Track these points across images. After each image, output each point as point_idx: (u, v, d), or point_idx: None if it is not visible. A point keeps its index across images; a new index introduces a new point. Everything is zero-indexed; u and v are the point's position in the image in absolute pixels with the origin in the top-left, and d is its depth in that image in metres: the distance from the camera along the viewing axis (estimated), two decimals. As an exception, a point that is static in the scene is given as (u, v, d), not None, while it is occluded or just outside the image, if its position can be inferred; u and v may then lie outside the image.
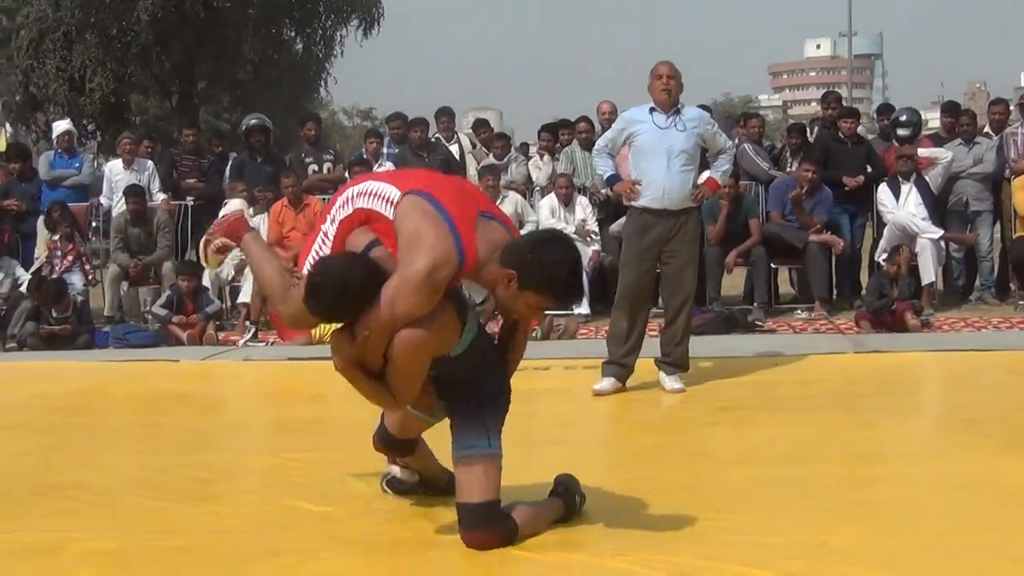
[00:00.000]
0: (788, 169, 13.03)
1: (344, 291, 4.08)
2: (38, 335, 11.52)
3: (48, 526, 4.88)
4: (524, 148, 15.86)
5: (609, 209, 12.17)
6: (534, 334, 10.72)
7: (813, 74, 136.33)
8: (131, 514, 5.04)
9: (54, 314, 11.63)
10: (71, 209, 13.15)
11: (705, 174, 8.40)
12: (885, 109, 14.67)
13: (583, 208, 12.45)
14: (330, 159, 13.96)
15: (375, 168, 12.98)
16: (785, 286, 13.45)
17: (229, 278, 12.68)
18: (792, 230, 11.95)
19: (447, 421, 4.44)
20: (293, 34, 28.40)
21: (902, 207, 11.79)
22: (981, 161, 12.37)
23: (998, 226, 12.65)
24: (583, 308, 11.85)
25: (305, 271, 4.37)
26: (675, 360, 8.12)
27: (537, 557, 4.21)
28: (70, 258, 12.74)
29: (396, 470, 5.01)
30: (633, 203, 8.08)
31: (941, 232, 11.70)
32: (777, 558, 4.09)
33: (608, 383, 7.97)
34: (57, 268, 12.63)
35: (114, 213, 13.45)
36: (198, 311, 11.67)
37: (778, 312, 12.08)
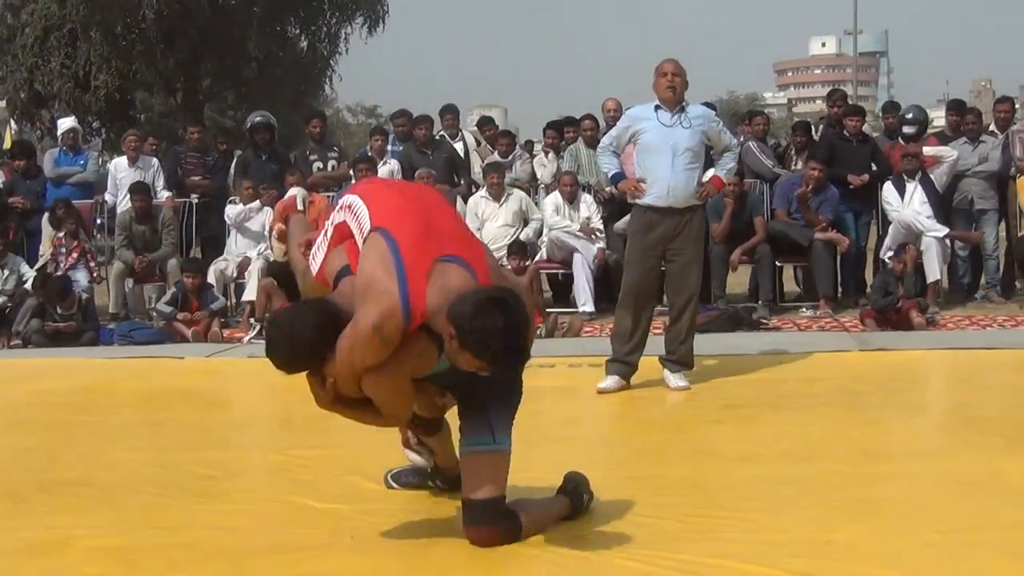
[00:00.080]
0: (793, 167, 13.01)
1: (295, 349, 4.11)
2: (43, 332, 11.53)
3: (53, 523, 4.89)
4: (529, 146, 15.86)
5: (614, 207, 12.16)
6: (539, 332, 10.72)
7: (818, 72, 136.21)
8: (136, 511, 5.04)
9: (59, 311, 11.64)
10: (76, 206, 13.16)
11: (710, 172, 8.40)
12: (890, 107, 14.67)
13: (588, 206, 12.44)
14: (335, 156, 13.95)
15: (379, 166, 12.99)
16: (790, 284, 13.45)
17: (233, 275, 12.70)
18: (797, 228, 11.94)
19: None
20: (298, 31, 28.38)
21: (907, 205, 11.78)
22: (986, 159, 12.35)
23: (1003, 224, 12.63)
24: (587, 306, 11.86)
25: (312, 263, 4.53)
26: (680, 358, 8.11)
27: (541, 554, 4.21)
28: (75, 255, 12.75)
29: (412, 455, 4.98)
30: (638, 201, 8.07)
31: (946, 230, 11.70)
32: (782, 556, 4.09)
33: (612, 381, 7.97)
34: (62, 265, 12.64)
35: (119, 210, 13.46)
36: (203, 308, 11.68)
37: (783, 310, 12.07)
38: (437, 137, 13.98)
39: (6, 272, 12.64)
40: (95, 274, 12.94)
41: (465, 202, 12.80)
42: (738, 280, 12.84)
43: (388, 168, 13.20)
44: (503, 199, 12.49)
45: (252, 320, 11.73)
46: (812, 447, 6.08)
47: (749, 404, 7.38)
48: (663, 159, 7.93)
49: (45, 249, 13.03)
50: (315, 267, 4.54)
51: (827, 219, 11.86)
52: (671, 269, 8.15)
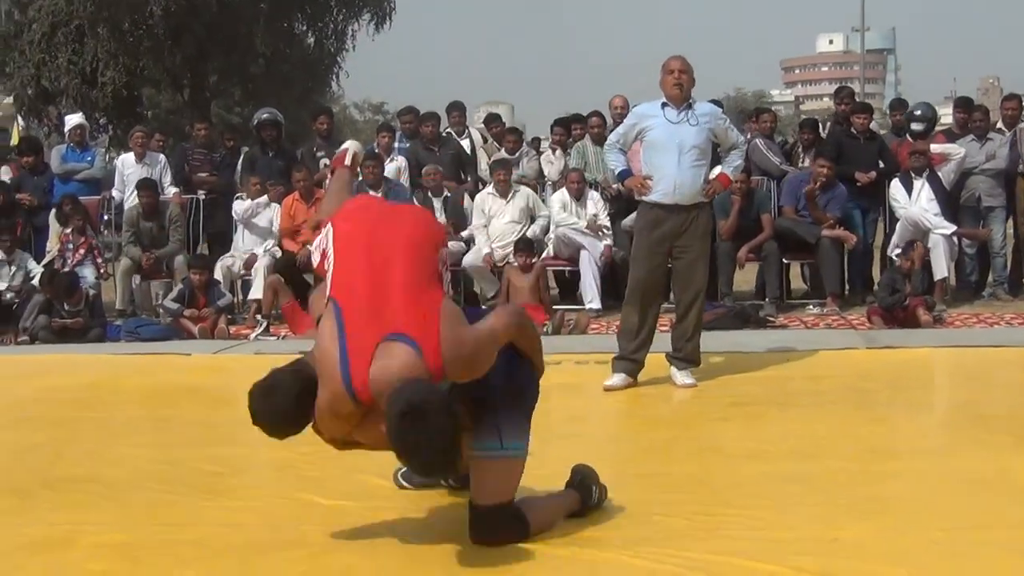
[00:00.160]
0: (800, 164, 13.01)
1: (280, 419, 4.20)
2: (50, 328, 11.54)
3: (58, 519, 4.89)
4: (535, 143, 15.86)
5: (621, 204, 12.16)
6: (545, 329, 10.73)
7: (825, 69, 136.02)
8: (142, 507, 5.05)
9: (66, 307, 11.65)
10: (83, 203, 13.18)
11: (717, 169, 8.40)
12: (898, 104, 14.63)
13: (595, 203, 12.44)
14: (342, 153, 13.94)
15: (386, 163, 12.99)
16: (797, 281, 13.44)
17: (240, 272, 12.71)
18: (804, 225, 11.93)
19: None
20: (305, 28, 28.42)
21: (914, 203, 11.77)
22: (994, 157, 12.33)
23: (1011, 222, 12.61)
24: (594, 303, 11.85)
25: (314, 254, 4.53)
26: (686, 355, 8.11)
27: (548, 552, 4.20)
28: (82, 251, 12.76)
29: None
30: (644, 198, 8.07)
31: (954, 228, 11.69)
32: (788, 553, 4.08)
33: (619, 379, 7.96)
34: (69, 261, 12.65)
35: (126, 207, 13.48)
36: (210, 305, 11.68)
37: (790, 307, 12.07)
38: (444, 134, 13.99)
39: (13, 268, 12.66)
40: (102, 270, 12.95)
41: (472, 199, 12.80)
42: (745, 277, 12.83)
43: (395, 165, 13.21)
44: (510, 196, 12.49)
45: (259, 317, 11.74)
46: (819, 445, 6.07)
47: (756, 402, 7.37)
48: (669, 156, 7.92)
49: (52, 245, 13.04)
50: (315, 260, 4.53)
51: (834, 216, 11.85)
52: (678, 266, 8.15)
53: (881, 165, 12.44)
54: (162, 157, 14.24)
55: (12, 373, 9.95)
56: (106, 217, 14.16)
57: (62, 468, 5.98)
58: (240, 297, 12.90)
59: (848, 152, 12.46)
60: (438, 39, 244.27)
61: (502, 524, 4.25)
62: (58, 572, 4.23)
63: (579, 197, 12.39)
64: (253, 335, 11.41)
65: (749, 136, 12.63)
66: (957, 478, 5.25)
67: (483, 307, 11.71)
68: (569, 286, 13.05)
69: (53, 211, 13.27)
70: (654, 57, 8.30)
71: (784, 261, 12.24)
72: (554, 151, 13.92)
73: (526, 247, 11.71)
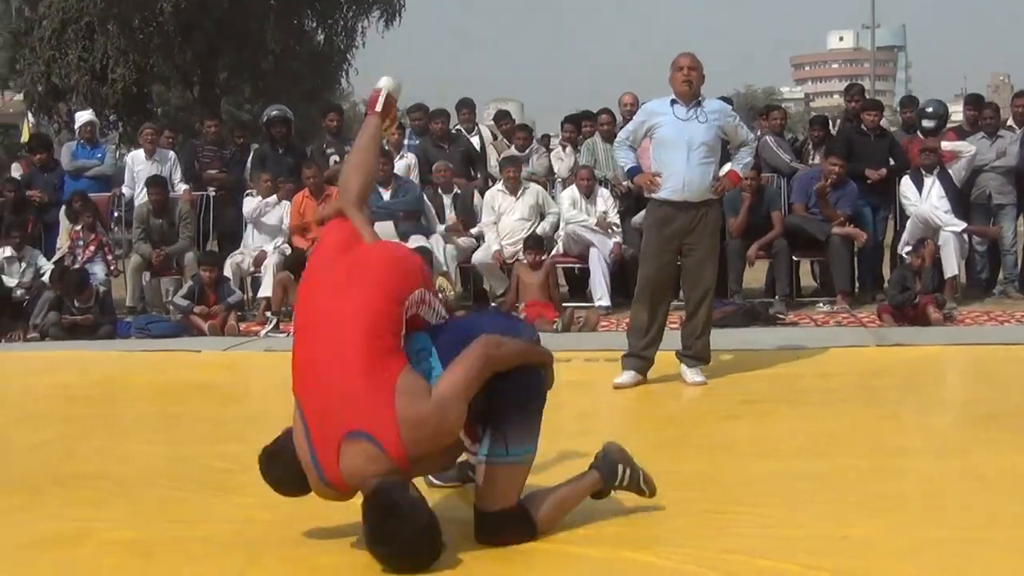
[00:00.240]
0: (810, 161, 12.99)
1: (285, 484, 4.37)
2: (60, 325, 11.56)
3: (69, 515, 4.90)
4: (545, 140, 15.86)
5: (631, 201, 12.15)
6: (555, 326, 10.72)
7: (836, 66, 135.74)
8: (152, 504, 5.05)
9: (76, 304, 11.66)
10: (92, 199, 13.19)
11: (727, 167, 8.39)
12: (908, 101, 14.59)
13: (604, 200, 12.43)
14: (351, 150, 13.95)
15: (396, 160, 12.98)
16: (807, 279, 13.43)
17: (250, 269, 12.72)
18: (814, 222, 11.91)
19: None
20: (315, 25, 28.44)
21: (925, 200, 11.75)
22: (1004, 154, 12.30)
23: (1022, 219, 12.59)
24: (604, 300, 11.85)
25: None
26: (696, 353, 8.10)
27: (558, 549, 4.20)
28: (92, 248, 12.78)
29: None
30: (653, 195, 8.07)
31: (964, 225, 11.66)
32: (798, 551, 4.08)
33: (628, 376, 7.96)
34: (79, 258, 12.67)
35: (136, 203, 13.49)
36: (220, 302, 11.69)
37: (800, 305, 12.04)
38: (453, 131, 13.99)
39: (24, 265, 12.67)
40: (112, 267, 12.96)
41: (482, 196, 12.80)
42: (755, 275, 12.81)
43: (405, 162, 13.21)
44: (520, 193, 12.48)
45: (268, 314, 11.75)
46: (829, 442, 6.07)
47: (766, 399, 7.37)
48: (678, 153, 7.92)
49: (63, 242, 13.07)
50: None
51: (845, 214, 11.83)
52: (687, 264, 8.14)
53: (891, 162, 12.42)
54: (172, 154, 14.26)
55: (23, 370, 9.97)
56: (116, 214, 14.16)
57: (73, 465, 5.99)
58: (250, 294, 12.90)
59: (858, 149, 12.44)
60: (448, 36, 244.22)
61: (506, 527, 4.25)
62: (69, 568, 4.24)
63: (589, 194, 12.38)
64: (263, 332, 11.41)
65: (759, 133, 12.62)
66: (967, 476, 5.25)
67: (491, 306, 11.74)
68: (579, 283, 13.05)
69: (63, 208, 13.29)
70: (664, 54, 8.29)
71: (794, 258, 12.23)
72: (564, 148, 13.91)
73: (536, 244, 11.70)
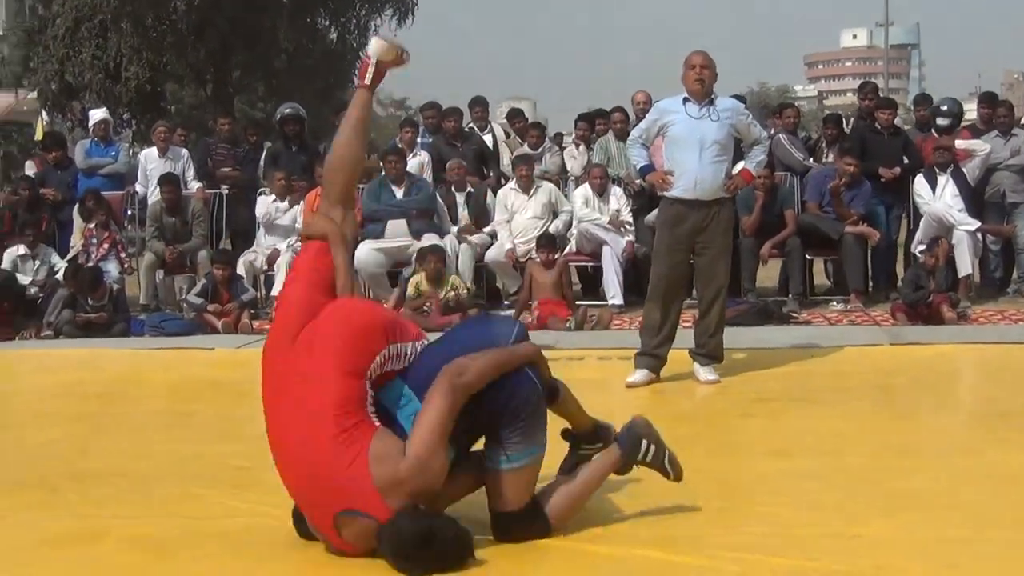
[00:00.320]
0: (824, 160, 12.97)
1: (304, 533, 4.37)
2: (74, 323, 11.58)
3: (86, 513, 4.92)
4: (558, 138, 15.85)
5: (644, 199, 12.15)
6: (568, 324, 10.72)
7: (849, 64, 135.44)
8: (167, 501, 5.07)
9: (90, 302, 11.69)
10: (105, 197, 13.21)
11: (740, 165, 8.38)
12: (922, 99, 14.56)
13: (617, 198, 12.42)
14: (364, 148, 13.96)
15: (409, 158, 12.98)
16: (820, 277, 13.41)
17: (263, 267, 12.74)
18: (828, 221, 11.89)
19: None
20: (327, 23, 28.47)
21: (939, 198, 11.73)
22: (1019, 152, 12.27)
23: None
24: (617, 299, 11.84)
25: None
26: (709, 351, 8.10)
27: (572, 547, 4.21)
28: (106, 246, 12.79)
29: None
30: (666, 194, 8.07)
31: (978, 224, 11.64)
32: (811, 549, 4.09)
33: (641, 375, 7.97)
34: (93, 256, 12.69)
35: (149, 201, 13.51)
36: (233, 299, 11.71)
37: (813, 303, 12.02)
38: (466, 129, 13.99)
39: (37, 263, 12.70)
40: (126, 265, 12.98)
41: (495, 194, 12.80)
42: (768, 273, 12.80)
43: (418, 160, 13.22)
44: (532, 191, 12.48)
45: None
46: (842, 441, 6.07)
47: (779, 398, 7.37)
48: (691, 152, 7.92)
49: (76, 240, 13.09)
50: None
51: (858, 212, 11.81)
52: (700, 262, 8.14)
53: (905, 161, 12.39)
54: (184, 152, 14.29)
55: (37, 367, 10.01)
56: (130, 212, 14.19)
57: (88, 462, 6.01)
58: (263, 292, 12.91)
59: (872, 148, 12.41)
60: (460, 34, 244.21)
61: (518, 526, 4.26)
62: (85, 565, 4.26)
63: (602, 192, 12.38)
64: (276, 330, 11.40)
65: (772, 132, 12.60)
66: (980, 475, 5.24)
67: (503, 305, 11.73)
68: (592, 282, 13.05)
69: (76, 206, 13.31)
70: (677, 52, 8.29)
71: (807, 257, 12.22)
72: (577, 146, 13.91)
73: (548, 242, 11.70)
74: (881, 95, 14.22)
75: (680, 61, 8.09)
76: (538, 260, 11.59)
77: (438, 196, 12.73)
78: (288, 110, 13.98)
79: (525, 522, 4.27)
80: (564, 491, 4.38)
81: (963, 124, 13.38)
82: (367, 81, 4.88)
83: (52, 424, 7.28)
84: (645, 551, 4.15)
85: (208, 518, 4.75)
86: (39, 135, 22.76)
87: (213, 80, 27.23)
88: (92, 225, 12.90)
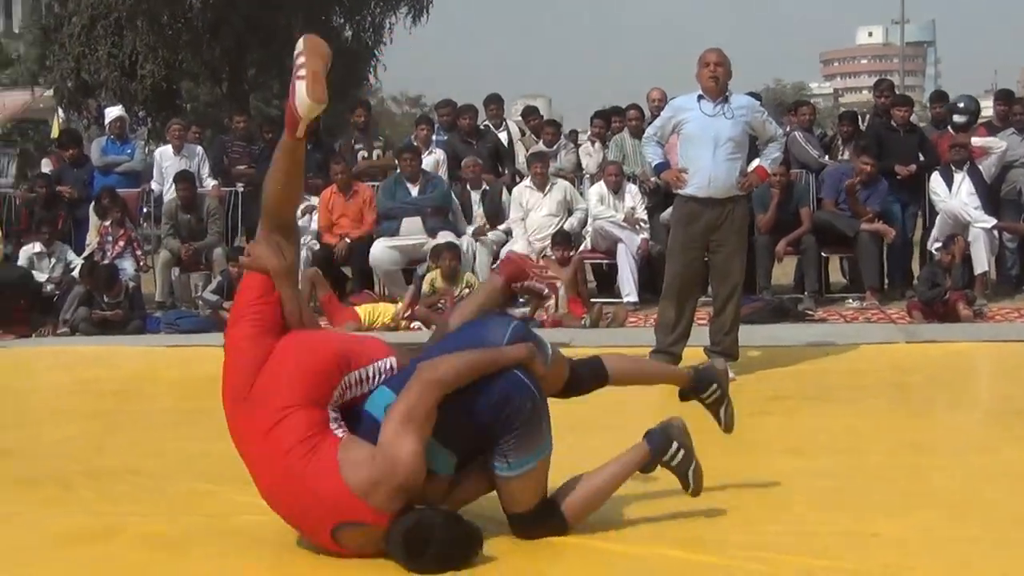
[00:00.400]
0: (839, 157, 12.95)
1: None
2: (90, 320, 11.62)
3: (101, 509, 4.93)
4: (573, 136, 15.84)
5: (659, 197, 12.13)
6: (583, 322, 10.72)
7: (865, 61, 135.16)
8: (183, 498, 5.08)
9: (106, 299, 11.72)
10: (121, 195, 13.24)
11: (755, 162, 8.37)
12: (938, 97, 14.53)
13: (632, 196, 12.41)
14: (379, 145, 14.00)
15: (424, 155, 12.99)
16: (836, 275, 13.39)
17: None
18: (843, 218, 11.87)
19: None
20: (342, 21, 28.44)
21: (955, 196, 11.69)
22: (1035, 149, 12.24)
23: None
24: (632, 296, 11.84)
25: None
26: (724, 349, 8.08)
27: (589, 545, 4.20)
28: (121, 244, 12.83)
29: None
30: (680, 191, 8.06)
31: (994, 221, 11.60)
32: (827, 548, 4.08)
33: (657, 372, 7.95)
34: (109, 254, 12.72)
35: (165, 199, 13.54)
36: (248, 297, 11.70)
37: (829, 301, 12.00)
38: (482, 127, 13.99)
39: (54, 260, 12.75)
40: (142, 263, 13.01)
41: (510, 192, 12.80)
42: (784, 271, 12.78)
43: (434, 158, 13.22)
44: (547, 189, 12.47)
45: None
46: (858, 439, 6.05)
47: (794, 396, 7.36)
48: (705, 149, 7.92)
49: (92, 238, 13.12)
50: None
51: (874, 210, 11.78)
52: (715, 260, 8.13)
53: (921, 158, 12.36)
54: (199, 149, 14.31)
55: (53, 364, 10.03)
56: (145, 210, 14.23)
57: (103, 459, 6.03)
58: (278, 289, 12.91)
59: (888, 145, 12.39)
60: (475, 32, 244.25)
61: (531, 525, 4.26)
62: (100, 562, 4.26)
63: (617, 190, 12.37)
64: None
65: (788, 129, 12.58)
66: (997, 473, 5.23)
67: (518, 303, 11.73)
68: (607, 279, 13.04)
69: (92, 204, 13.34)
70: (692, 49, 8.28)
71: (823, 255, 12.20)
72: (593, 144, 13.91)
73: (563, 240, 11.70)
74: (897, 92, 14.18)
75: (695, 58, 8.08)
76: (553, 257, 11.59)
77: (453, 194, 12.73)
78: (303, 108, 13.96)
79: (538, 521, 4.26)
80: (585, 486, 4.36)
81: (979, 121, 13.34)
82: (299, 134, 4.77)
83: (68, 421, 7.30)
84: (662, 549, 4.14)
85: (222, 515, 4.75)
86: (55, 133, 22.83)
87: (228, 78, 27.24)
88: (108, 223, 12.93)
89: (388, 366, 4.28)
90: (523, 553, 4.16)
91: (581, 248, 12.27)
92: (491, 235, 12.42)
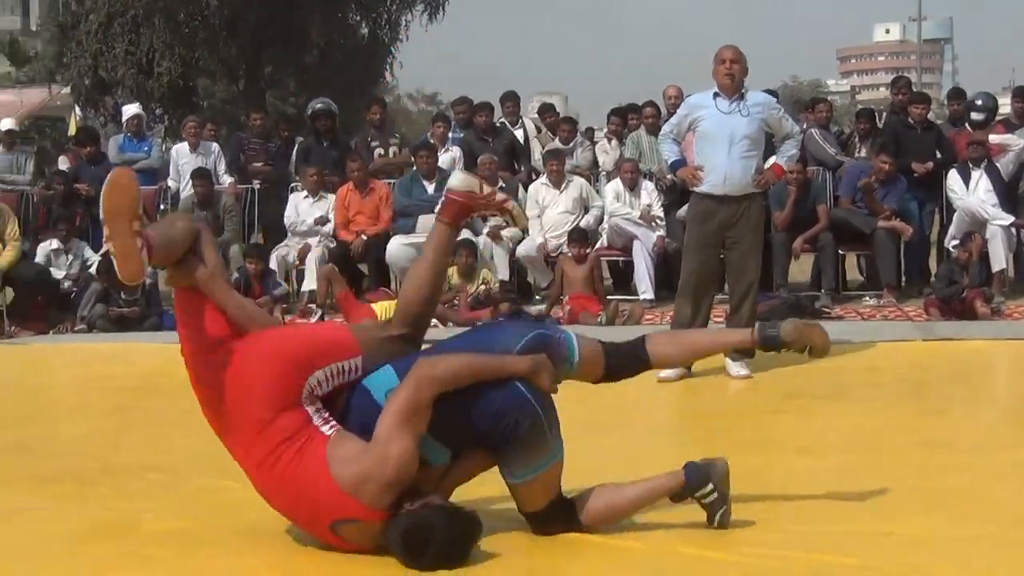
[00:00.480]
0: (857, 154, 12.92)
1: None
2: (107, 317, 11.65)
3: (118, 506, 4.95)
4: (589, 133, 15.83)
5: (675, 194, 12.12)
6: (599, 319, 10.72)
7: (882, 59, 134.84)
8: (199, 494, 5.09)
9: (123, 296, 11.75)
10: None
11: (771, 159, 8.36)
12: (955, 94, 14.50)
13: (648, 193, 12.40)
14: (396, 143, 14.01)
15: (441, 153, 12.99)
16: (853, 272, 13.36)
17: (295, 262, 12.76)
18: (860, 216, 11.84)
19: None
20: (359, 19, 28.44)
21: (972, 193, 11.66)
22: (1053, 147, 12.19)
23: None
24: (648, 293, 11.84)
25: None
26: (741, 346, 8.06)
27: (604, 542, 4.20)
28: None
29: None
30: (695, 189, 8.06)
31: (1012, 219, 11.56)
32: (843, 547, 4.07)
33: (672, 371, 7.94)
34: (125, 251, 12.72)
35: (182, 196, 13.57)
36: (265, 294, 11.75)
37: (846, 299, 11.98)
38: (498, 124, 13.98)
39: (71, 257, 12.79)
40: (158, 260, 13.00)
41: (526, 189, 12.80)
42: (800, 268, 12.76)
43: (450, 155, 13.22)
44: (563, 186, 12.47)
45: (313, 306, 11.79)
46: (874, 437, 6.04)
47: (810, 394, 7.34)
48: (720, 147, 7.92)
49: (109, 235, 13.13)
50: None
51: (891, 208, 11.75)
52: (730, 257, 8.13)
53: (938, 155, 12.33)
54: (215, 146, 14.34)
55: (70, 361, 10.06)
56: (162, 207, 14.25)
57: (120, 455, 6.04)
58: (295, 287, 12.96)
59: (905, 142, 12.36)
60: (491, 29, 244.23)
61: (544, 522, 4.25)
62: (118, 558, 4.27)
63: (633, 187, 12.37)
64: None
65: (804, 126, 12.55)
66: (1015, 472, 5.22)
67: (534, 300, 11.72)
68: (623, 276, 13.03)
69: (109, 201, 13.36)
70: (709, 46, 8.27)
71: (840, 252, 12.17)
72: (609, 141, 13.90)
73: (580, 237, 11.70)
74: (914, 90, 14.14)
75: (711, 55, 8.07)
76: (569, 255, 11.59)
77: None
78: (319, 105, 14.00)
79: (551, 520, 4.26)
80: (608, 500, 4.31)
81: (997, 119, 13.30)
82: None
83: (85, 417, 7.32)
84: (678, 547, 4.14)
85: (237, 512, 4.75)
86: (72, 130, 22.88)
87: (245, 75, 27.27)
88: (125, 220, 12.93)
89: (352, 366, 4.22)
90: (540, 550, 4.16)
91: (597, 245, 12.26)
92: (507, 232, 12.42)
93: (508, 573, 3.98)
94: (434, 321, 10.95)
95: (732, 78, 7.95)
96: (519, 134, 14.04)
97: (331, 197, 12.78)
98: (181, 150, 14.33)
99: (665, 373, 7.90)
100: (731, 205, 7.95)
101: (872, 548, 4.06)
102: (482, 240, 12.09)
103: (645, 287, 11.93)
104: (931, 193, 12.42)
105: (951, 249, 11.41)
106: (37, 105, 27.07)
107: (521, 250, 12.35)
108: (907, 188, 11.98)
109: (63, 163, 18.15)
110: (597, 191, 12.87)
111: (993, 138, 12.12)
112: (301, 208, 12.87)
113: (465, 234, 11.79)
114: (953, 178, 11.89)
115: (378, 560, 4.00)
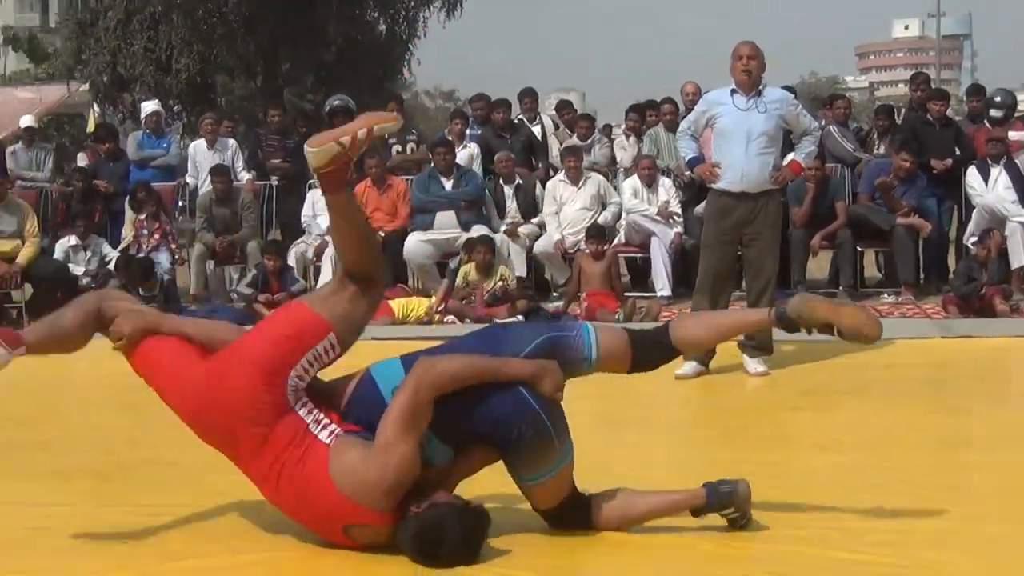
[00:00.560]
0: (875, 151, 12.89)
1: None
2: (125, 313, 11.65)
3: (136, 501, 4.96)
4: (607, 130, 15.82)
5: (693, 191, 12.11)
6: (617, 316, 10.71)
7: (900, 55, 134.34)
8: (217, 490, 5.08)
9: (141, 292, 11.75)
10: (156, 189, 13.31)
11: (789, 156, 8.34)
12: (974, 90, 14.43)
13: (666, 190, 12.38)
14: (413, 140, 14.00)
15: (459, 150, 12.99)
16: (871, 269, 13.33)
17: (312, 259, 12.78)
18: (879, 213, 11.81)
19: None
20: (376, 15, 28.48)
21: (991, 190, 11.61)
22: (1072, 143, 12.13)
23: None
24: (665, 290, 11.83)
25: None
26: (759, 343, 8.07)
27: (621, 538, 4.20)
28: (157, 237, 12.88)
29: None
30: (713, 186, 8.05)
31: (1031, 216, 11.52)
32: (862, 544, 4.06)
33: (690, 367, 7.94)
34: (144, 247, 12.78)
35: (200, 192, 13.60)
36: (283, 290, 11.76)
37: (864, 296, 11.95)
38: (515, 121, 13.98)
39: (89, 253, 12.82)
40: (176, 256, 13.06)
41: (543, 185, 12.80)
42: (819, 265, 12.74)
43: (468, 152, 13.21)
44: (581, 183, 12.46)
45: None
46: (893, 435, 6.03)
47: (829, 391, 7.33)
48: (737, 144, 7.91)
49: (127, 231, 13.19)
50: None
51: (909, 204, 11.71)
52: (748, 254, 8.12)
53: (957, 152, 12.29)
54: (232, 142, 14.37)
55: (87, 357, 10.03)
56: (180, 203, 14.29)
57: (137, 451, 6.06)
58: (313, 283, 12.97)
59: (924, 139, 12.32)
60: (509, 26, 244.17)
61: (558, 520, 4.26)
62: (137, 553, 4.28)
63: (650, 184, 12.35)
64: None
65: (823, 123, 12.53)
66: (1034, 469, 5.19)
67: (552, 297, 11.72)
68: (640, 273, 13.02)
69: (128, 197, 13.41)
70: (727, 42, 8.25)
71: (858, 249, 12.13)
72: (627, 137, 13.88)
73: (597, 234, 11.68)
74: (933, 86, 14.10)
75: (729, 51, 8.06)
76: (587, 251, 11.58)
77: (487, 190, 12.74)
78: (337, 102, 14.02)
79: (564, 518, 4.26)
80: (623, 511, 4.28)
81: (1016, 115, 13.25)
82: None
83: (102, 414, 7.34)
84: (696, 542, 4.14)
85: (258, 507, 4.75)
86: (91, 127, 22.91)
87: (263, 72, 27.32)
88: (143, 216, 12.99)
89: (327, 346, 4.16)
90: (556, 544, 4.16)
91: (615, 242, 12.25)
92: (524, 229, 12.42)
93: (528, 568, 3.98)
94: (451, 317, 11.04)
95: (749, 74, 7.93)
96: (537, 131, 14.03)
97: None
98: (199, 147, 14.35)
99: (682, 370, 7.91)
100: (748, 202, 7.93)
101: (890, 545, 4.05)
102: (499, 237, 12.09)
103: (662, 284, 11.92)
104: (950, 190, 12.38)
105: (970, 246, 11.37)
106: (56, 102, 27.09)
107: (538, 247, 12.36)
108: (926, 185, 11.94)
109: (82, 160, 18.18)
110: (615, 188, 12.85)
111: (1012, 135, 12.06)
112: (319, 205, 12.87)
113: (482, 230, 11.80)
114: (972, 175, 11.85)
115: (397, 559, 4.00)
